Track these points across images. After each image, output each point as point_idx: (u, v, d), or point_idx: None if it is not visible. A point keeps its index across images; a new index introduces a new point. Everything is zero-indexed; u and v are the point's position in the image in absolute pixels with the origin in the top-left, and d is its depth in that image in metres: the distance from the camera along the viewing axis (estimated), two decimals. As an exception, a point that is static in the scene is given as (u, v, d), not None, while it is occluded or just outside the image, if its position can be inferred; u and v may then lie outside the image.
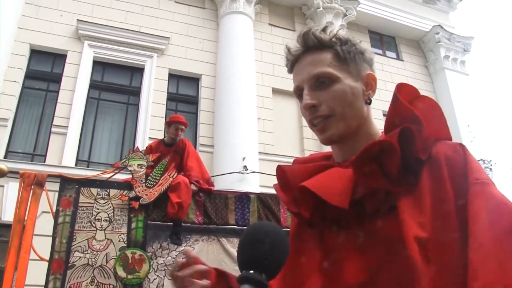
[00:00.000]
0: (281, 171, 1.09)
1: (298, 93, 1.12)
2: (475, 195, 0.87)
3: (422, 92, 1.09)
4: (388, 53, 13.81)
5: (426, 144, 0.97)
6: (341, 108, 1.05)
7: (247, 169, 8.84)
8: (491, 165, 11.98)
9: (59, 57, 9.59)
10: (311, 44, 1.09)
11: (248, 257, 0.82)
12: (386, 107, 1.19)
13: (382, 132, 1.09)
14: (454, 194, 0.89)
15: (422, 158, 0.95)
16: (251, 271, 0.79)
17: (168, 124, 5.47)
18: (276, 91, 10.91)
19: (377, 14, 13.39)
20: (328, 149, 1.18)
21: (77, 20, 9.73)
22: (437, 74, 13.52)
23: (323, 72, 1.06)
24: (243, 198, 5.17)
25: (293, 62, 1.14)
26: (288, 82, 11.45)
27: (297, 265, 1.05)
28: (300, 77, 1.10)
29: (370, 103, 1.10)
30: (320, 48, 1.09)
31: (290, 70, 1.15)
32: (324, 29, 1.10)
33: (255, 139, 9.77)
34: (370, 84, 1.10)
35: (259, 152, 9.71)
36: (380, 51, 13.62)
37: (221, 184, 7.90)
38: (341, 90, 1.05)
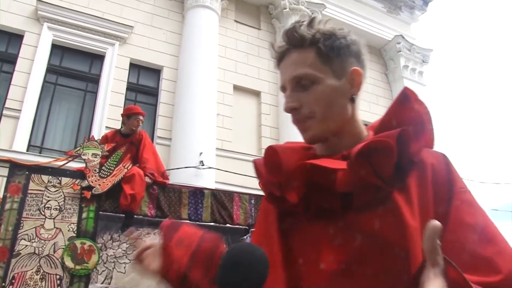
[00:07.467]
0: (273, 151, 1.06)
1: (283, 92, 1.11)
2: (463, 201, 0.96)
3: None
4: (350, 58, 13.96)
5: (419, 148, 1.00)
6: (322, 109, 1.04)
7: (203, 165, 8.80)
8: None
9: (15, 37, 9.23)
10: (294, 42, 1.07)
11: (228, 277, 0.86)
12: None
13: (367, 129, 1.12)
14: (434, 200, 0.96)
15: (415, 160, 0.99)
16: None
17: (127, 116, 5.38)
18: (237, 88, 10.91)
19: (342, 20, 13.54)
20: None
21: (37, 0, 9.41)
22: (396, 83, 13.79)
23: (304, 73, 1.05)
24: (197, 193, 5.16)
25: (279, 60, 1.12)
26: (249, 80, 11.52)
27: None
28: (283, 77, 1.09)
29: (354, 101, 1.08)
30: (303, 45, 1.06)
31: (277, 67, 1.14)
32: (310, 23, 1.08)
33: (213, 134, 9.75)
34: (355, 80, 1.07)
35: (217, 148, 9.69)
36: (342, 56, 13.79)
37: (176, 178, 7.83)
38: (322, 92, 1.04)
